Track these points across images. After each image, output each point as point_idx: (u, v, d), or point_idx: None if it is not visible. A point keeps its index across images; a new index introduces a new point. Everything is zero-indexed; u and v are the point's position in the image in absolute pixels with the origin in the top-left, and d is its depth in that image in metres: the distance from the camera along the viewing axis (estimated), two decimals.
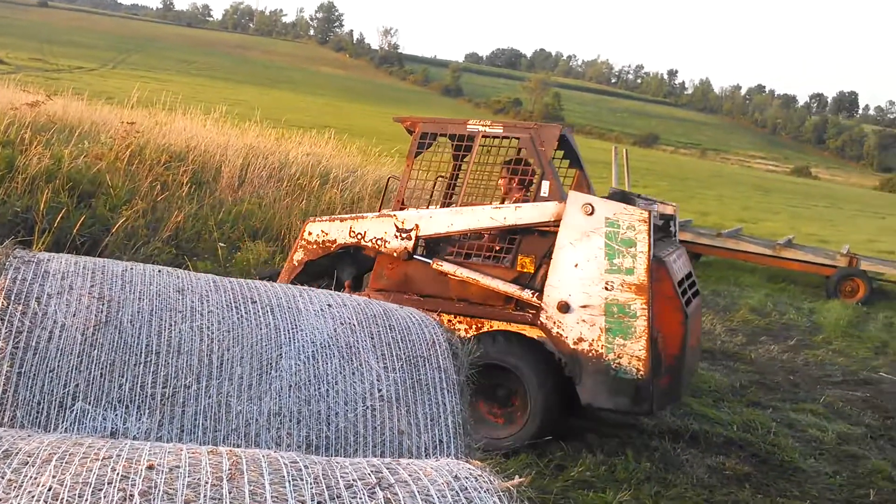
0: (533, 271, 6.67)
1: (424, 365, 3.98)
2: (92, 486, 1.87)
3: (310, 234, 7.35)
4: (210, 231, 9.46)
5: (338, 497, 1.99)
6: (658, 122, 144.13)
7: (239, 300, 3.70)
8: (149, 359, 3.25)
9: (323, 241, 7.28)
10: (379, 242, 7.01)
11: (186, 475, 1.94)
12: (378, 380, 3.78)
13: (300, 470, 2.07)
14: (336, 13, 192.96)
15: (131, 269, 3.63)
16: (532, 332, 6.67)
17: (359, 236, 7.09)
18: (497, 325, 6.79)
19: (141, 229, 9.09)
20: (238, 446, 3.02)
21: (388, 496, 2.09)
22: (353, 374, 3.72)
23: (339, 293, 4.50)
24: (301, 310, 3.80)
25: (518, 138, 6.98)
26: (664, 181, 42.60)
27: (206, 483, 1.92)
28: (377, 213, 7.21)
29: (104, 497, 1.84)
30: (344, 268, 7.62)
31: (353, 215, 7.46)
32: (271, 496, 1.92)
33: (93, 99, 16.73)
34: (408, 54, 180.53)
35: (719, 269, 16.96)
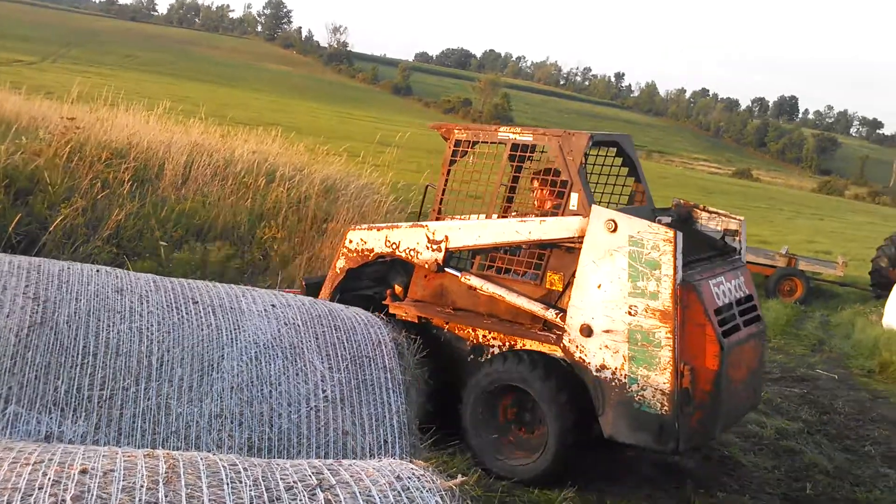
0: (561, 289, 6.27)
1: (370, 365, 3.97)
2: (22, 491, 1.82)
3: (350, 241, 7.24)
4: (152, 230, 9.30)
5: (277, 499, 1.97)
6: (605, 124, 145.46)
7: (180, 300, 3.65)
8: (86, 360, 3.19)
9: (362, 249, 7.16)
10: (412, 253, 6.83)
11: (121, 479, 1.90)
12: (322, 380, 3.75)
13: (239, 472, 2.04)
14: (284, 9, 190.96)
15: (68, 268, 3.56)
16: (556, 353, 6.28)
17: (394, 246, 6.93)
18: (526, 345, 6.44)
19: (80, 228, 8.89)
20: (178, 449, 2.98)
21: (329, 497, 2.07)
22: (297, 374, 3.69)
23: (284, 293, 4.46)
24: (244, 310, 3.75)
25: (546, 146, 6.63)
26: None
27: (142, 487, 1.88)
28: (411, 223, 7.02)
29: (35, 503, 1.79)
30: (395, 275, 7.54)
31: (390, 224, 7.30)
32: (209, 499, 1.89)
33: (31, 93, 16.33)
34: (357, 52, 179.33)
35: None
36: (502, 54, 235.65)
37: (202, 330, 3.51)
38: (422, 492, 2.29)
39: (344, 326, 4.01)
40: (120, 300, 3.44)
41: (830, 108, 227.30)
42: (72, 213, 8.88)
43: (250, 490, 1.99)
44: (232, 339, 3.56)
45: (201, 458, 2.08)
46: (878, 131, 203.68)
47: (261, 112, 43.63)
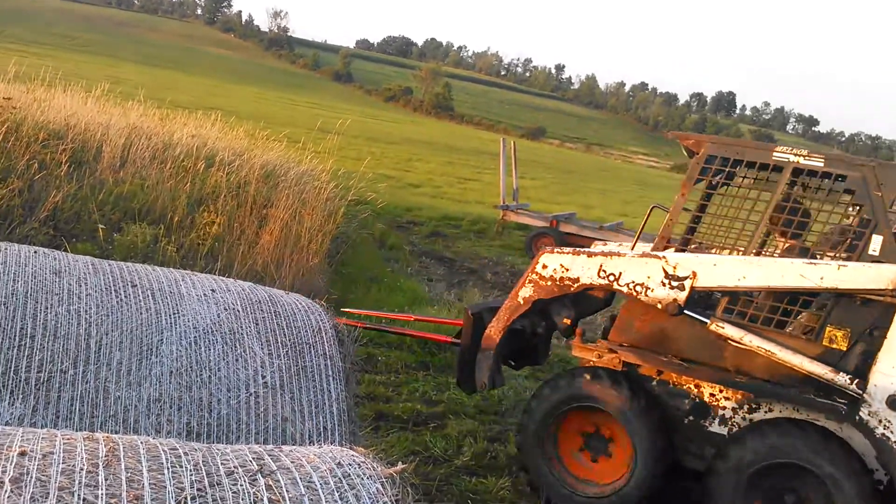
0: (845, 349, 5.26)
1: (310, 352, 3.97)
2: None
3: (544, 267, 6.12)
4: (90, 212, 9.12)
5: (218, 484, 1.98)
6: (545, 116, 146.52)
7: (119, 283, 3.61)
8: (23, 342, 3.14)
9: (561, 277, 6.06)
10: (638, 288, 5.72)
11: (60, 461, 1.89)
12: (262, 366, 3.75)
13: (179, 457, 2.04)
14: None
15: (5, 249, 3.49)
16: (829, 424, 5.40)
17: (611, 277, 5.83)
18: (786, 412, 5.55)
19: (16, 209, 8.68)
20: (116, 433, 2.95)
21: (270, 483, 2.08)
22: (237, 360, 3.69)
23: (224, 278, 4.43)
24: (183, 294, 3.73)
25: (845, 176, 5.47)
26: (550, 174, 43.42)
27: (82, 470, 1.88)
28: (639, 252, 5.94)
29: None
30: (560, 308, 6.34)
31: (607, 251, 6.20)
32: (149, 483, 1.90)
33: None
34: (297, 38, 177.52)
35: None
36: (444, 43, 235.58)
37: (141, 314, 3.48)
38: (363, 478, 2.31)
39: (284, 312, 4.01)
40: (58, 282, 3.39)
41: (767, 104, 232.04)
42: (8, 194, 8.66)
43: (191, 475, 1.99)
44: (171, 323, 3.53)
45: (142, 442, 2.08)
46: (813, 129, 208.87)
47: (200, 96, 42.94)
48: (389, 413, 6.99)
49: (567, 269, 6.02)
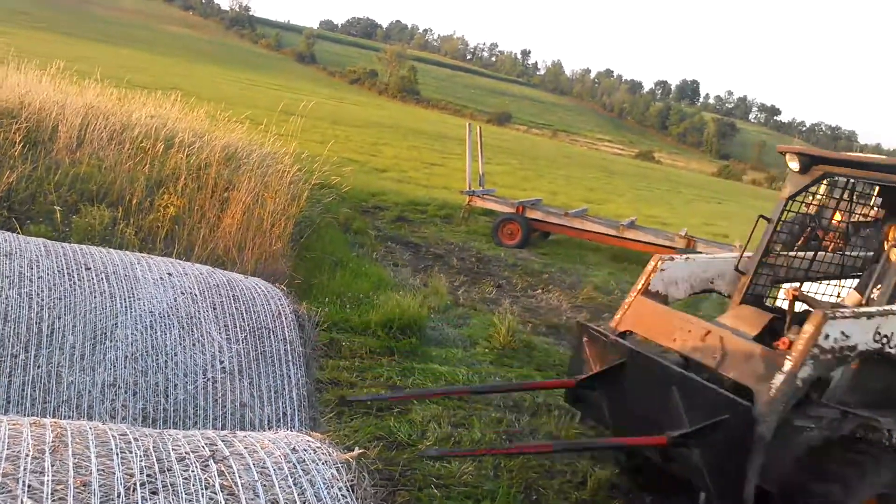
0: None
1: (269, 336, 3.92)
2: None
3: (826, 337, 4.89)
4: (46, 194, 8.95)
5: (168, 470, 1.94)
6: (511, 101, 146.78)
7: (72, 266, 3.53)
8: None
9: (840, 347, 4.96)
10: None
11: (5, 447, 1.84)
12: (220, 351, 3.70)
13: (129, 442, 2.00)
14: None
15: None
16: None
17: (885, 340, 4.96)
18: None
19: None
20: (70, 419, 2.90)
21: (222, 469, 2.05)
22: (194, 345, 3.63)
23: (181, 261, 4.37)
24: (139, 278, 3.66)
25: None
26: (516, 159, 43.51)
27: (27, 456, 1.83)
28: None
29: None
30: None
31: (881, 308, 5.20)
32: (97, 469, 1.85)
33: None
34: (259, 17, 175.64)
35: (567, 248, 17.52)
36: (409, 26, 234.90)
37: (95, 297, 3.41)
38: (317, 464, 2.29)
39: (243, 297, 3.95)
40: (8, 264, 3.31)
41: (731, 93, 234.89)
42: None
43: (141, 460, 1.95)
44: (126, 307, 3.47)
45: (90, 428, 2.04)
46: (775, 118, 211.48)
47: (160, 75, 42.31)
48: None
49: (847, 337, 4.95)
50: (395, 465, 5.92)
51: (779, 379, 4.89)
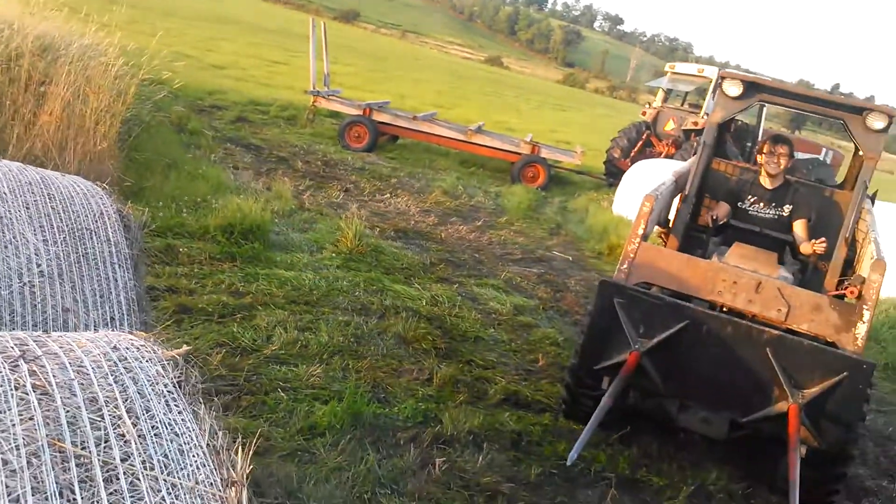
0: None
1: (91, 238, 3.69)
2: None
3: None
4: None
5: None
6: (358, 3, 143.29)
7: None
8: None
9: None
10: None
11: None
12: (36, 254, 3.45)
13: None
14: None
15: None
16: None
17: None
18: None
19: None
20: None
21: (34, 368, 1.94)
22: (6, 247, 3.37)
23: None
24: None
25: None
26: (363, 60, 42.69)
27: None
28: None
29: None
30: None
31: None
32: None
33: None
34: None
35: (415, 152, 17.43)
36: None
37: None
38: (140, 361, 2.20)
39: (59, 196, 3.67)
40: None
41: (577, 0, 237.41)
42: None
43: None
44: None
45: None
46: (618, 27, 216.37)
47: None
48: (193, 306, 6.68)
49: None
50: (240, 370, 5.78)
51: (862, 329, 4.98)
